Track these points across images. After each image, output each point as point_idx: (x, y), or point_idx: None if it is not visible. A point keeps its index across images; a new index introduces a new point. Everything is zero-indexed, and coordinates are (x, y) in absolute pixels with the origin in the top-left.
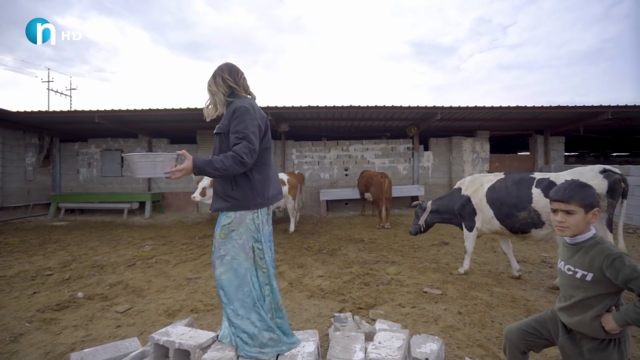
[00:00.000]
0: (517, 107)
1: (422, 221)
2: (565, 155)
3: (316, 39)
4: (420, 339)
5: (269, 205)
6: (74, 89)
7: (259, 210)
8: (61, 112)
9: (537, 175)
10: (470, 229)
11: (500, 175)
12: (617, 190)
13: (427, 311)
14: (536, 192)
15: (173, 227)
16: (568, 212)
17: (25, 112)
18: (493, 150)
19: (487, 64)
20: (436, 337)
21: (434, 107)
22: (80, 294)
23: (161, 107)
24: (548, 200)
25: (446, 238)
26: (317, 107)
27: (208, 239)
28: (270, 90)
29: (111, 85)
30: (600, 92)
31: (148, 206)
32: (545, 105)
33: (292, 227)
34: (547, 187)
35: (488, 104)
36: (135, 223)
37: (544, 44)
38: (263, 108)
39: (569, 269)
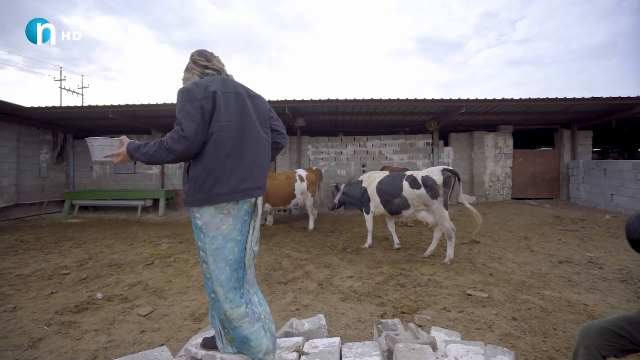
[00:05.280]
0: (547, 99)
1: (336, 200)
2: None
3: (319, 36)
4: (488, 351)
5: (219, 203)
6: (85, 87)
7: (202, 207)
8: (75, 107)
9: (407, 173)
10: (367, 212)
11: (386, 173)
12: (449, 183)
13: (476, 316)
14: (405, 185)
15: (188, 224)
16: None
17: (40, 108)
18: (515, 146)
19: (494, 60)
20: (506, 349)
21: (459, 100)
22: (99, 295)
23: (175, 101)
24: (413, 190)
25: (476, 236)
26: (337, 100)
27: None
28: (275, 88)
29: (117, 84)
30: (612, 88)
31: (162, 203)
32: (577, 97)
33: (311, 225)
34: (412, 181)
35: (516, 96)
36: (149, 220)
37: (553, 38)
38: (280, 102)
39: None
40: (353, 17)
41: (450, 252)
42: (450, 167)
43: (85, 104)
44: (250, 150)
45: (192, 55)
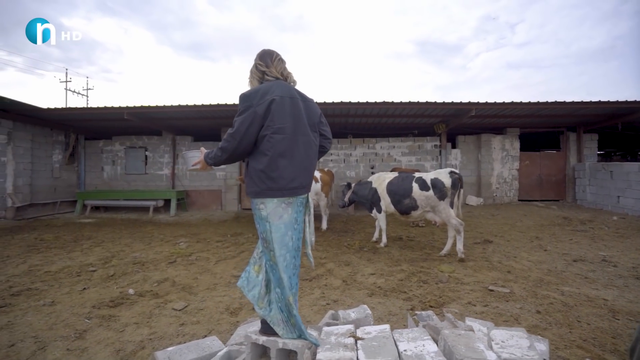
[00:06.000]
0: (555, 103)
1: (346, 198)
2: None
3: (319, 38)
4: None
5: (272, 198)
6: (90, 89)
7: (266, 199)
8: (91, 108)
9: (416, 175)
10: (379, 212)
11: (395, 174)
12: (456, 185)
13: (502, 310)
14: (415, 186)
15: (201, 224)
16: None
17: (56, 109)
18: (521, 148)
19: (494, 63)
20: (539, 337)
21: (469, 103)
22: (131, 291)
23: (190, 103)
24: (422, 192)
25: (488, 236)
26: (349, 103)
27: (240, 236)
28: None
29: (118, 85)
30: (611, 91)
31: (173, 204)
32: (584, 100)
33: (324, 225)
34: (422, 183)
35: (525, 100)
36: (162, 220)
37: (552, 41)
38: None
39: None
40: (352, 19)
41: (460, 246)
42: (456, 170)
43: (92, 105)
44: (300, 151)
45: (255, 58)
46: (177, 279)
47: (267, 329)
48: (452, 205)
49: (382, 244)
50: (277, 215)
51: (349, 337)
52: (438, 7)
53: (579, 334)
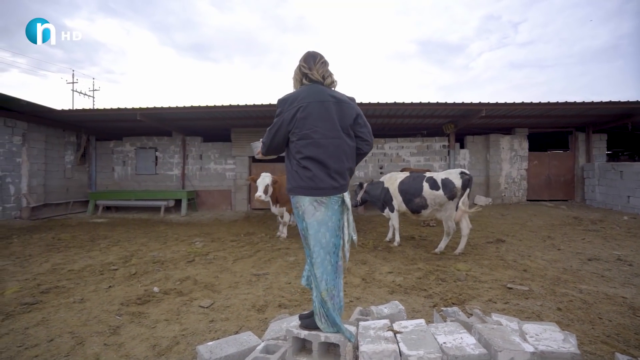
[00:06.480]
0: (565, 103)
1: (359, 197)
2: None
3: (320, 39)
4: None
5: (306, 196)
6: (96, 89)
7: (299, 197)
8: (104, 109)
9: (427, 175)
10: (392, 210)
11: (407, 174)
12: (466, 185)
13: (523, 307)
14: (425, 186)
15: (213, 224)
16: None
17: (69, 110)
18: (529, 148)
19: (496, 63)
20: (567, 332)
21: (480, 104)
22: (156, 289)
23: (203, 104)
24: (432, 191)
25: (500, 236)
26: (360, 104)
27: (254, 236)
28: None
29: (120, 86)
30: (615, 91)
31: (184, 204)
32: (595, 101)
33: None
34: (432, 182)
35: (535, 100)
36: (173, 220)
37: (555, 41)
38: None
39: None
40: (354, 20)
41: (442, 245)
42: (467, 171)
43: (101, 106)
44: (330, 154)
45: (300, 60)
46: (198, 277)
47: (308, 324)
48: (456, 207)
49: (395, 243)
50: (310, 213)
51: (387, 330)
52: (440, 7)
53: (602, 330)
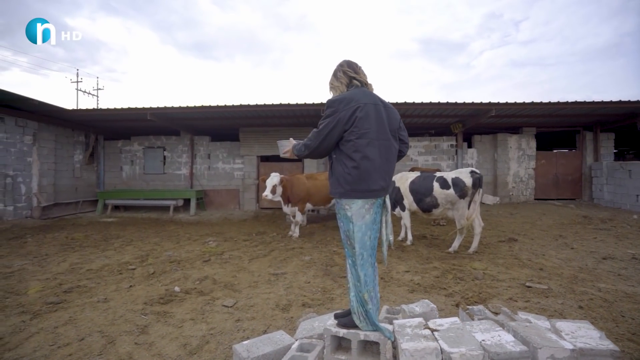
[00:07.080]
0: (575, 103)
1: None
2: None
3: (322, 37)
4: None
5: (356, 199)
6: (100, 89)
7: (351, 199)
8: (115, 109)
9: (437, 174)
10: (403, 210)
11: (417, 174)
12: (477, 184)
13: (544, 305)
14: (436, 185)
15: (223, 224)
16: None
17: (80, 110)
18: (537, 147)
19: (498, 61)
20: (595, 328)
21: (489, 104)
22: (177, 288)
23: (213, 104)
24: (442, 190)
25: (511, 235)
26: None
27: (266, 235)
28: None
29: (122, 85)
30: (618, 89)
31: (193, 203)
32: (604, 100)
33: None
34: (442, 182)
35: (544, 100)
36: (183, 220)
37: (557, 39)
38: (307, 105)
39: None
40: (356, 18)
41: (456, 244)
42: (477, 170)
43: (110, 106)
44: (382, 155)
45: (342, 66)
46: (217, 277)
47: (346, 322)
48: (468, 205)
49: (408, 242)
50: (360, 215)
51: (424, 328)
52: (442, 5)
53: (626, 328)
